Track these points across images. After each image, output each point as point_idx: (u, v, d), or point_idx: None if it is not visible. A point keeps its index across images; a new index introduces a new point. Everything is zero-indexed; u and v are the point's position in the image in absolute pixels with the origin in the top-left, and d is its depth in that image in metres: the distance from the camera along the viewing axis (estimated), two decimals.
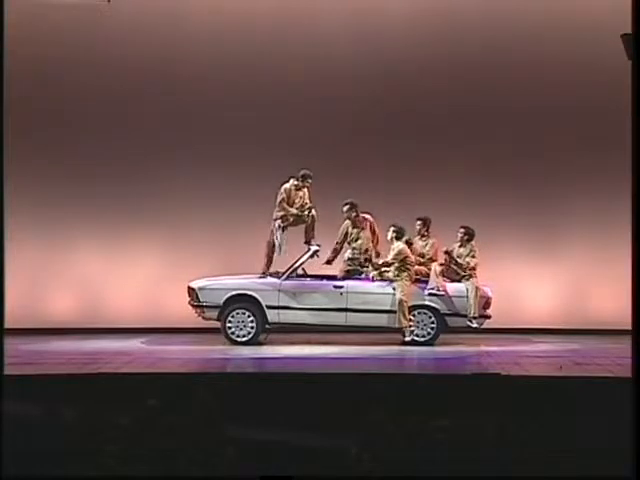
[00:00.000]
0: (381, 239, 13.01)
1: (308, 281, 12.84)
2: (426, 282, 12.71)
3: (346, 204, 12.93)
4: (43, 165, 14.19)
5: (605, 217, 13.94)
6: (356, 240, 12.94)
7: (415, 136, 14.25)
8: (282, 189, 12.88)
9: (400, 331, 12.55)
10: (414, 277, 12.69)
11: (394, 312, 12.52)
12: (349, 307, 12.63)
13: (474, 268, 12.85)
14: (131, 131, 14.26)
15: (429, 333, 12.69)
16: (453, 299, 12.71)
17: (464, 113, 14.20)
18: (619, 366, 10.10)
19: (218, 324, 12.69)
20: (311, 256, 12.82)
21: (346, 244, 13.00)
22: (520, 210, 14.23)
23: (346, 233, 12.99)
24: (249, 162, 13.83)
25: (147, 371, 10.15)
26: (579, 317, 14.11)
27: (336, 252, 13.03)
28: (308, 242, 12.91)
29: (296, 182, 12.91)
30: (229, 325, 12.63)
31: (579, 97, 14.07)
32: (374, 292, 12.67)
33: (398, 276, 12.58)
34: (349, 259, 12.92)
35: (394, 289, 12.58)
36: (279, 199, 12.86)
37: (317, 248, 12.84)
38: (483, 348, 12.54)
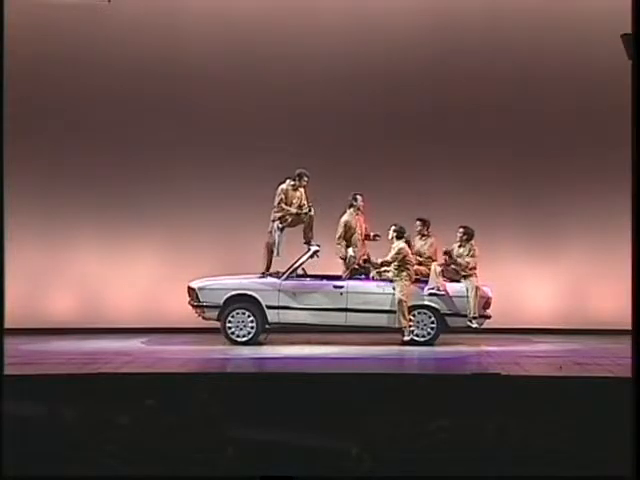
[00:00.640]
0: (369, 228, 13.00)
1: (308, 281, 12.84)
2: (426, 282, 12.72)
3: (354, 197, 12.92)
4: (43, 165, 14.20)
5: (605, 217, 13.94)
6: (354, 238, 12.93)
7: (415, 136, 14.26)
8: (279, 190, 12.88)
9: (400, 331, 12.56)
10: (414, 277, 12.69)
11: (394, 312, 12.53)
12: (349, 307, 12.64)
13: (474, 268, 12.85)
14: (131, 131, 14.27)
15: (429, 333, 12.70)
16: (453, 299, 12.71)
17: (464, 113, 14.20)
18: (619, 366, 10.11)
19: (218, 324, 12.69)
20: (311, 256, 12.83)
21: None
22: (520, 210, 14.24)
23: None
24: (249, 162, 13.84)
25: (147, 371, 10.15)
26: (579, 317, 14.12)
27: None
28: (308, 242, 12.91)
29: (293, 182, 12.92)
30: (229, 325, 12.63)
31: (579, 97, 14.08)
32: (374, 292, 12.68)
33: (398, 276, 12.58)
34: (351, 257, 12.89)
35: (394, 289, 12.58)
36: (277, 200, 12.86)
37: (317, 248, 12.84)
38: (483, 348, 12.55)
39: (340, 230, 12.85)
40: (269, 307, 12.63)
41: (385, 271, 12.73)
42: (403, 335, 12.53)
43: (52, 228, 14.25)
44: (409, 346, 12.48)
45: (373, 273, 12.79)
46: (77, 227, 14.25)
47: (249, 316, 12.62)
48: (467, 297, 12.66)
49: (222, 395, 7.80)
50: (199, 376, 9.96)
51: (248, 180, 13.61)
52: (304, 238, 12.94)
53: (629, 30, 5.42)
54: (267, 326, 12.77)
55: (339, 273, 12.84)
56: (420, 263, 12.86)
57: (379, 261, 12.78)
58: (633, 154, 5.17)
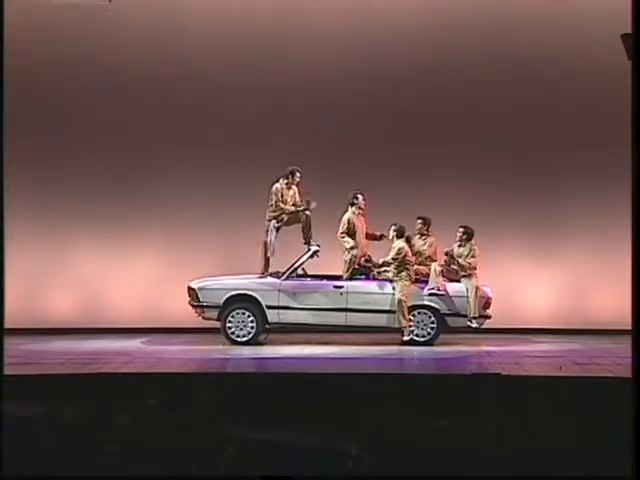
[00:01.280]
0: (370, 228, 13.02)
1: (308, 281, 12.84)
2: (426, 282, 12.71)
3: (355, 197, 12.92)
4: (43, 165, 14.19)
5: (605, 217, 13.94)
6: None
7: (415, 136, 14.25)
8: (274, 189, 12.88)
9: (400, 331, 12.56)
10: (414, 277, 12.69)
11: (394, 312, 12.53)
12: (349, 307, 12.64)
13: (474, 268, 12.85)
14: (131, 131, 14.27)
15: (429, 333, 12.70)
16: (453, 299, 12.71)
17: (464, 113, 14.20)
18: (619, 366, 10.11)
19: (218, 324, 12.69)
20: (311, 256, 12.83)
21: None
22: (520, 210, 14.24)
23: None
24: (249, 162, 13.83)
25: (147, 371, 10.15)
26: (579, 317, 14.11)
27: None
28: (308, 242, 12.91)
29: (286, 180, 12.92)
30: (229, 325, 12.63)
31: (579, 97, 14.08)
32: (374, 292, 12.68)
33: (397, 276, 12.58)
34: (353, 257, 12.88)
35: (394, 289, 12.58)
36: (273, 200, 12.84)
37: (317, 248, 12.84)
38: (483, 348, 12.54)
39: (343, 227, 12.84)
40: (269, 307, 12.63)
41: (385, 271, 12.73)
42: (403, 335, 12.53)
43: (52, 228, 14.24)
44: (409, 346, 12.48)
45: (374, 273, 12.80)
46: (77, 227, 14.25)
47: (249, 316, 12.62)
48: (467, 297, 12.66)
49: (222, 395, 7.80)
50: (199, 376, 9.95)
51: (248, 180, 13.60)
52: (304, 238, 12.94)
53: (629, 30, 5.42)
54: (267, 326, 12.77)
55: (339, 273, 12.85)
56: (420, 263, 12.86)
57: (380, 261, 12.79)
58: (633, 154, 5.17)
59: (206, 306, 12.72)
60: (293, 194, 12.99)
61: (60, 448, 6.76)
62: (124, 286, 14.25)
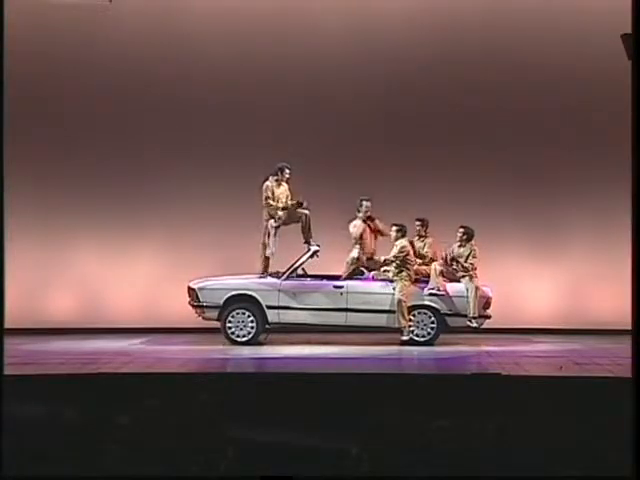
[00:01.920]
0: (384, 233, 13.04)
1: (308, 281, 12.84)
2: (426, 282, 12.71)
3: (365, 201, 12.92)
4: (43, 165, 14.19)
5: (605, 217, 13.94)
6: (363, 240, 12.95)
7: (414, 136, 14.25)
8: (264, 188, 12.87)
9: (400, 331, 12.56)
10: (414, 277, 12.69)
11: (394, 312, 12.53)
12: (349, 307, 12.64)
13: (475, 268, 12.84)
14: (131, 131, 14.28)
15: (429, 333, 12.70)
16: (453, 299, 12.70)
17: (464, 113, 14.20)
18: (619, 366, 10.10)
19: (218, 324, 12.69)
20: (311, 256, 12.83)
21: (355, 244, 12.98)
22: (520, 210, 14.24)
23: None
24: (249, 162, 13.81)
25: (147, 371, 10.15)
26: (579, 317, 14.11)
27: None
28: (308, 242, 12.91)
29: (275, 177, 12.92)
30: (229, 325, 12.63)
31: (579, 97, 14.07)
32: (374, 292, 12.68)
33: (397, 275, 12.58)
34: (355, 258, 12.89)
35: (394, 289, 12.58)
36: (264, 199, 12.82)
37: (317, 248, 12.84)
38: (483, 348, 12.54)
39: (352, 235, 12.87)
40: (269, 307, 12.63)
41: (386, 270, 12.73)
42: (402, 335, 12.53)
43: (52, 228, 14.24)
44: (409, 346, 12.48)
45: (374, 273, 12.79)
46: (77, 227, 14.25)
47: (249, 316, 12.62)
48: (467, 297, 12.66)
49: (222, 395, 7.80)
50: (199, 376, 9.95)
51: (248, 180, 13.56)
52: (303, 238, 12.94)
53: (629, 30, 5.42)
54: (267, 326, 12.77)
55: (339, 273, 12.84)
56: (421, 264, 12.85)
57: (382, 259, 12.78)
58: (633, 154, 5.17)
59: (206, 306, 12.73)
60: (284, 191, 12.98)
61: (60, 448, 6.76)
62: (124, 286, 14.26)
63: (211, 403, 7.56)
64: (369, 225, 12.98)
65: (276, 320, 12.68)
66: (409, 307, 12.57)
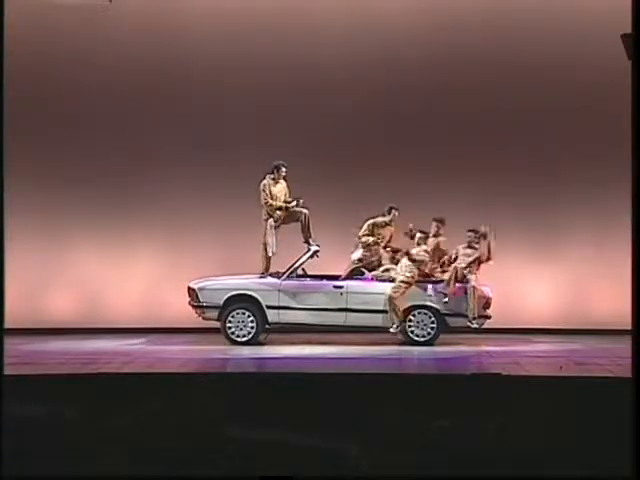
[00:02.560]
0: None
1: (308, 281, 12.85)
2: (425, 282, 12.72)
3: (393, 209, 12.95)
4: (43, 165, 14.21)
5: (605, 217, 13.95)
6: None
7: (414, 136, 14.26)
8: (261, 187, 12.87)
9: (403, 332, 12.59)
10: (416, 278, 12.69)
11: None
12: (349, 307, 12.65)
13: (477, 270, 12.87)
14: (131, 131, 14.29)
15: (429, 333, 12.70)
16: (453, 299, 12.71)
17: (463, 113, 14.20)
18: (619, 366, 10.11)
19: (218, 324, 12.69)
20: (311, 256, 12.83)
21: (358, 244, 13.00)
22: (520, 210, 14.24)
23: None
24: (249, 162, 13.82)
25: (147, 371, 10.15)
26: (579, 317, 14.12)
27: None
28: (308, 242, 12.91)
29: (272, 176, 12.92)
30: (229, 325, 12.64)
31: (579, 97, 14.08)
32: (374, 292, 12.68)
33: (403, 272, 12.52)
34: (356, 260, 12.90)
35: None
36: (262, 198, 12.83)
37: (317, 248, 12.85)
38: (483, 348, 12.55)
39: (364, 231, 12.86)
40: (269, 307, 12.64)
41: (386, 270, 12.74)
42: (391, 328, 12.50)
43: (52, 228, 14.25)
44: (409, 346, 12.49)
45: (375, 273, 12.77)
46: (77, 227, 14.25)
47: (249, 316, 12.63)
48: (467, 298, 12.64)
49: (222, 395, 7.80)
50: (199, 376, 9.95)
51: (248, 180, 13.57)
52: (303, 237, 12.94)
53: (629, 30, 5.42)
54: (267, 326, 12.77)
55: (339, 273, 12.85)
56: (442, 265, 12.88)
57: (413, 251, 12.69)
58: (633, 154, 5.17)
59: (206, 306, 12.73)
60: (282, 189, 12.98)
61: (60, 448, 6.76)
62: (124, 286, 14.26)
63: (211, 403, 7.55)
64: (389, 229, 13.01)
65: (276, 320, 12.68)
66: (409, 307, 12.57)
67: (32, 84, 13.73)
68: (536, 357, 11.73)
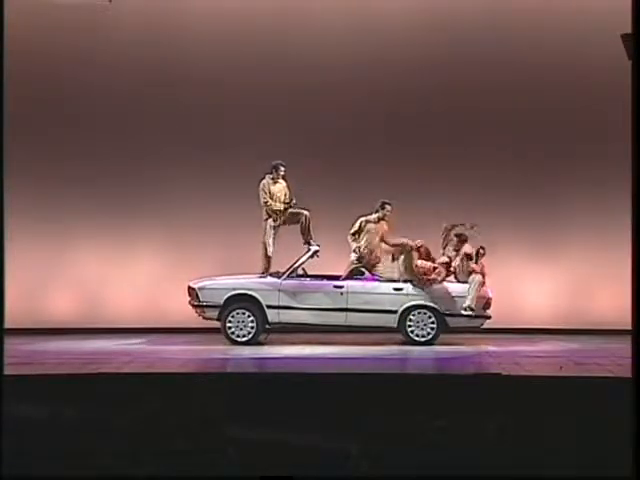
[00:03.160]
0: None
1: (308, 281, 12.85)
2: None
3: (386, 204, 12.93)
4: (43, 165, 14.21)
5: (605, 217, 13.94)
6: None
7: (414, 136, 14.26)
8: (261, 187, 12.87)
9: (400, 331, 12.60)
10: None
11: (394, 312, 12.58)
12: (349, 307, 12.65)
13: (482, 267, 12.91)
14: (131, 131, 14.29)
15: (429, 333, 12.70)
16: (454, 299, 12.71)
17: (463, 113, 14.21)
18: (619, 366, 10.10)
19: (218, 324, 12.69)
20: (311, 256, 12.83)
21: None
22: (520, 210, 14.25)
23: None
24: (250, 162, 13.80)
25: (147, 371, 10.15)
26: (579, 317, 14.12)
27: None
28: (308, 242, 12.91)
29: (271, 175, 12.91)
30: (229, 325, 12.64)
31: (579, 97, 14.08)
32: (374, 292, 12.68)
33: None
34: (354, 259, 12.90)
35: (394, 289, 12.61)
36: (262, 198, 12.82)
37: (317, 248, 12.85)
38: (483, 348, 12.54)
39: (353, 229, 12.87)
40: (269, 307, 12.64)
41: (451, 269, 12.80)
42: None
43: (52, 228, 14.25)
44: (409, 346, 12.50)
45: (380, 272, 12.79)
46: (77, 227, 14.26)
47: (249, 316, 12.63)
48: (469, 288, 12.62)
49: (222, 395, 7.80)
50: (199, 376, 9.95)
51: (248, 180, 13.57)
52: (303, 239, 12.94)
53: (629, 30, 5.41)
54: (267, 326, 12.77)
55: (339, 273, 12.85)
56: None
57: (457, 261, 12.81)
58: (633, 154, 5.17)
59: (206, 306, 12.73)
60: (281, 189, 12.97)
61: (60, 448, 6.76)
62: (124, 286, 14.26)
63: (211, 403, 7.55)
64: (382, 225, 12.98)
65: (276, 320, 12.68)
66: (409, 307, 12.59)
67: (32, 84, 13.73)
68: (536, 357, 11.72)
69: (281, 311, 12.65)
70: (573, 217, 14.26)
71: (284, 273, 12.78)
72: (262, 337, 12.79)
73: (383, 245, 12.93)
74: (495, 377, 8.98)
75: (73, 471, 6.52)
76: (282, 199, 12.91)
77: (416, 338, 12.64)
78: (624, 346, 7.08)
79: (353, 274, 12.84)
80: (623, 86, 6.00)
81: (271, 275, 12.85)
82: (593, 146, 14.06)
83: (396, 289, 12.69)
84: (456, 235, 12.99)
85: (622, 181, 6.74)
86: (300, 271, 12.90)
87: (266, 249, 12.82)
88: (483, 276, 12.79)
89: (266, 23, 14.20)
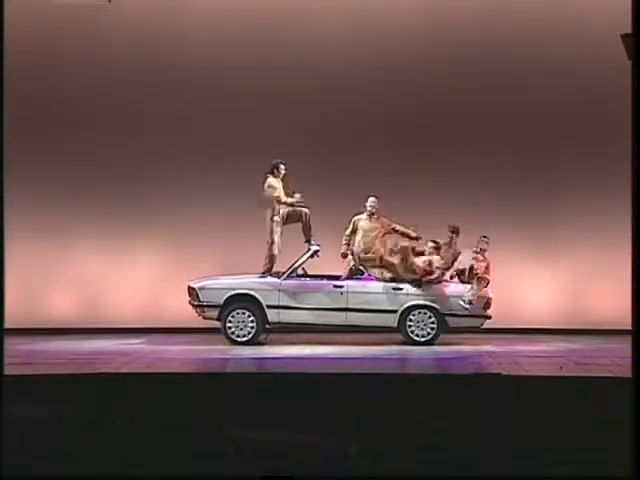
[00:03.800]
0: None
1: (308, 281, 12.84)
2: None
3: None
4: (43, 165, 14.20)
5: (605, 216, 13.93)
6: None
7: (414, 136, 14.26)
8: (266, 185, 12.83)
9: (400, 331, 12.59)
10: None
11: (394, 312, 12.58)
12: (349, 307, 12.64)
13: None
14: (131, 131, 14.28)
15: (429, 333, 12.70)
16: (454, 299, 12.71)
17: (463, 113, 14.20)
18: (619, 366, 10.10)
19: (218, 324, 12.69)
20: (311, 256, 12.83)
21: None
22: (520, 210, 14.24)
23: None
24: (250, 162, 13.81)
25: (147, 371, 10.15)
26: (579, 317, 14.12)
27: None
28: (308, 242, 12.91)
29: (272, 175, 12.90)
30: (229, 325, 12.63)
31: (579, 97, 14.07)
32: (374, 292, 12.68)
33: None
34: (351, 259, 12.91)
35: (394, 289, 12.61)
36: (274, 195, 12.75)
37: (317, 248, 12.85)
38: (483, 348, 12.54)
39: (347, 229, 12.89)
40: (269, 307, 12.63)
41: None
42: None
43: (52, 228, 14.25)
44: (409, 346, 12.51)
45: (378, 272, 12.78)
46: (77, 227, 14.25)
47: (249, 316, 12.62)
48: (472, 280, 12.63)
49: (222, 395, 7.80)
50: (199, 376, 9.95)
51: (249, 180, 13.57)
52: (305, 237, 12.94)
53: (629, 30, 5.42)
54: (267, 326, 12.77)
55: (339, 273, 12.85)
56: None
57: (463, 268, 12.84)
58: (633, 154, 5.18)
59: (206, 306, 12.73)
60: (283, 188, 12.97)
61: (60, 448, 6.76)
62: (124, 286, 14.26)
63: (211, 403, 7.55)
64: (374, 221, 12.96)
65: (276, 320, 12.68)
66: (409, 307, 12.60)
67: (32, 84, 13.73)
68: (536, 357, 11.72)
69: (281, 311, 12.64)
70: (573, 217, 14.26)
71: (284, 273, 12.78)
72: (262, 337, 12.79)
73: (379, 242, 12.92)
74: (495, 377, 8.98)
75: (73, 471, 6.52)
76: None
77: (416, 338, 12.64)
78: (624, 346, 7.09)
79: (353, 274, 12.84)
80: (623, 86, 6.01)
81: (271, 275, 12.84)
82: (593, 146, 14.05)
83: (396, 289, 12.69)
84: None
85: (622, 181, 6.75)
86: (300, 271, 12.90)
87: (271, 249, 12.79)
88: (487, 273, 12.78)
89: (266, 23, 14.20)
